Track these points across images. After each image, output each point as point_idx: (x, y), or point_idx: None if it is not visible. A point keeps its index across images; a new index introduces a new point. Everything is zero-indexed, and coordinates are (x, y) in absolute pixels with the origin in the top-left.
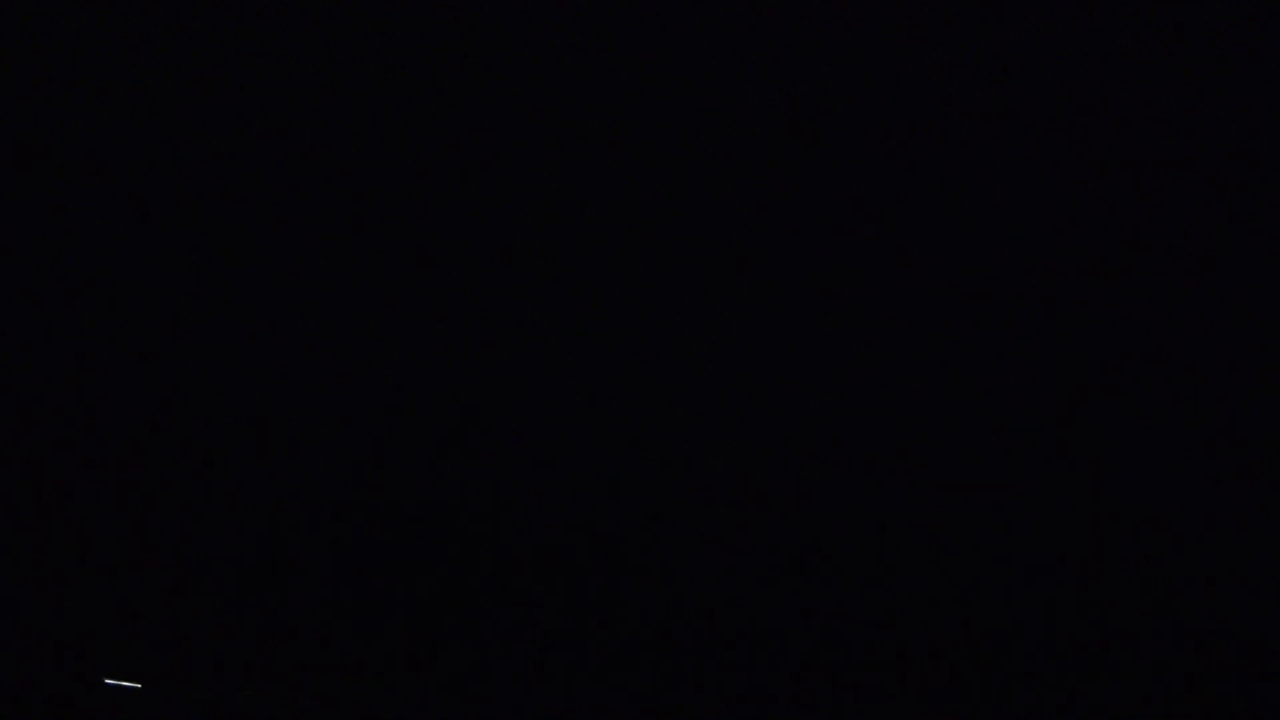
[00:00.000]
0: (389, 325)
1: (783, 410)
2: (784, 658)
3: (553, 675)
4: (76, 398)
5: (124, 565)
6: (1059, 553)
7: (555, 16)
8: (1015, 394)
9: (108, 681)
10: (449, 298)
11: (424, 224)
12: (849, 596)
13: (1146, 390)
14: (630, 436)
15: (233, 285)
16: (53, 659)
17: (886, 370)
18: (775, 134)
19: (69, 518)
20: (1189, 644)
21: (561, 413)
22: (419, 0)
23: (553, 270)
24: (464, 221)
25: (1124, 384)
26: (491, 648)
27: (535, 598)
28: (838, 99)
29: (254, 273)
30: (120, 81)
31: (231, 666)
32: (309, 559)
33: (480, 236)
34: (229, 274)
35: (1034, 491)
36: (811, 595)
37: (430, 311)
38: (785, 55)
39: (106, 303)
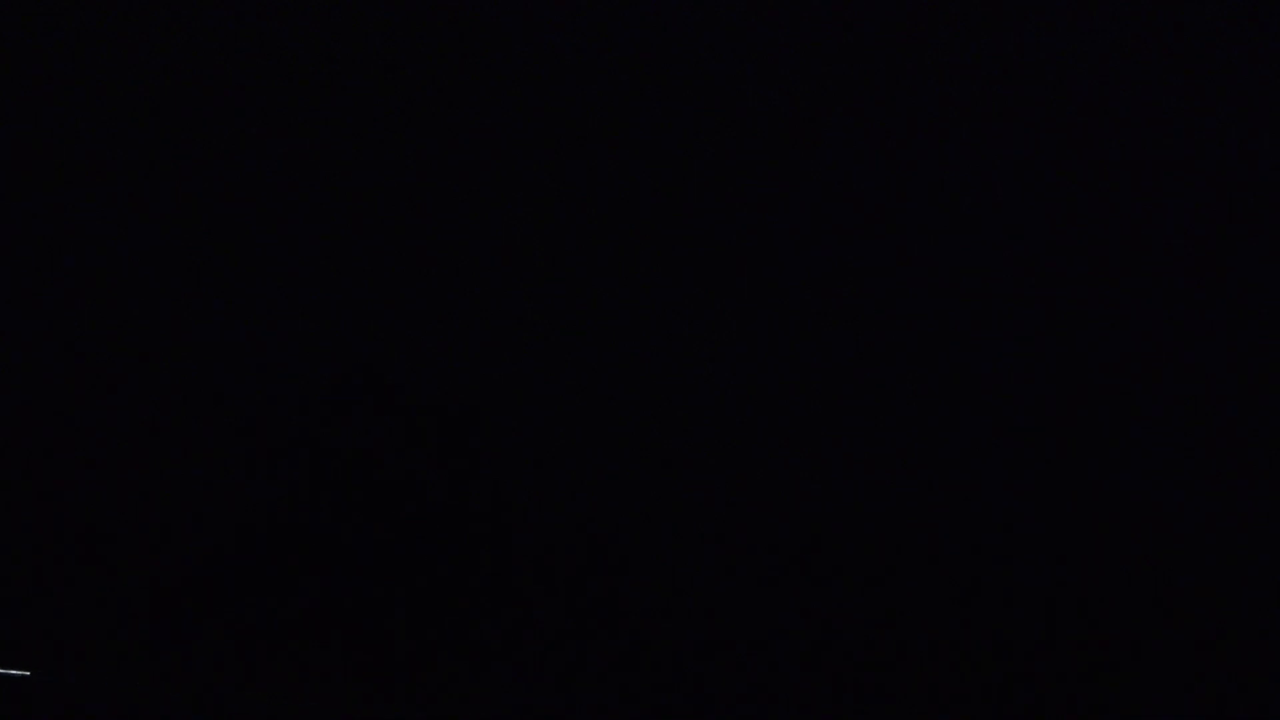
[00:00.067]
0: (389, 325)
1: (782, 410)
2: (784, 658)
3: (552, 676)
4: (72, 397)
5: (123, 565)
6: (1059, 553)
7: (555, 16)
8: (1015, 394)
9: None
10: (449, 298)
11: (424, 224)
12: (849, 597)
13: (1146, 390)
14: (630, 437)
15: (232, 285)
16: (51, 659)
17: (886, 370)
18: (775, 134)
19: (65, 516)
20: (1189, 644)
21: (561, 413)
22: (419, 0)
23: (553, 270)
24: (464, 221)
25: (1124, 384)
26: (491, 648)
27: (535, 598)
28: (838, 99)
29: (254, 272)
30: (120, 81)
31: (230, 667)
32: (308, 559)
33: (480, 236)
34: (229, 274)
35: (1034, 491)
36: (811, 595)
37: (430, 311)
38: (785, 55)
39: (106, 303)
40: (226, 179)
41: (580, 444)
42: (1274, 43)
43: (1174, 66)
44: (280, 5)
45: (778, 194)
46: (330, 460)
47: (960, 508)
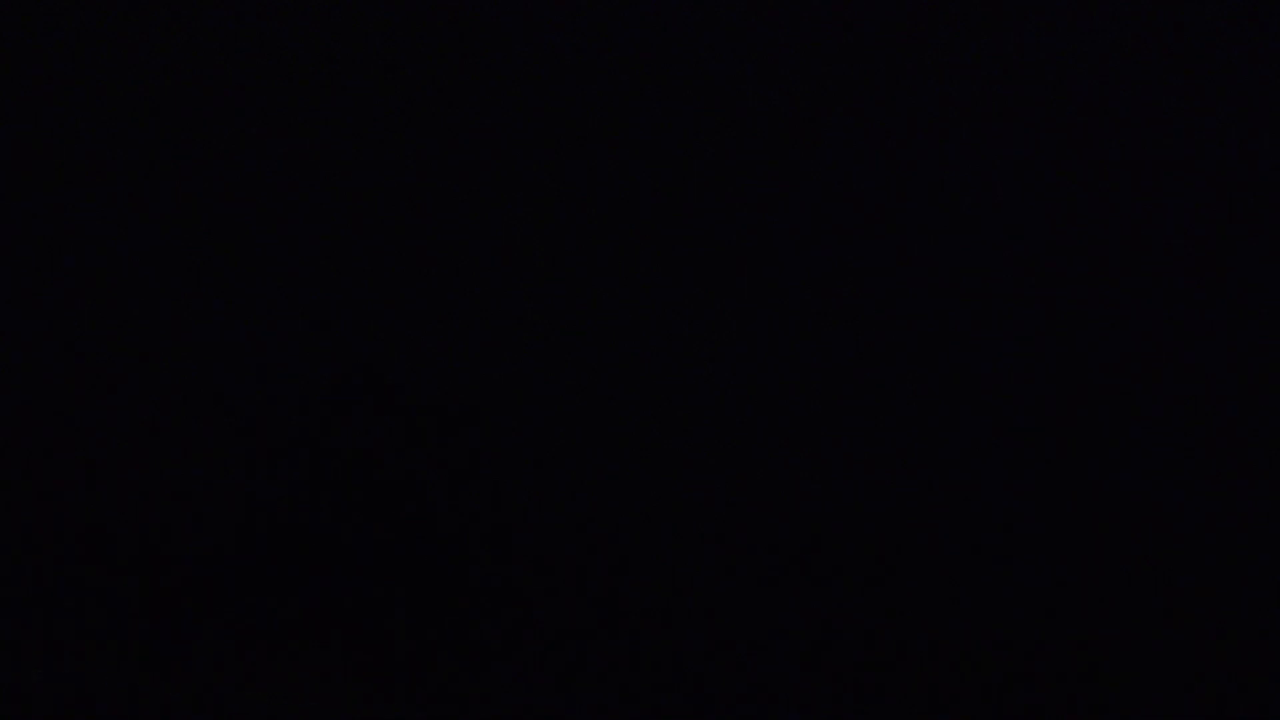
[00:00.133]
0: (389, 325)
1: (782, 410)
2: (784, 658)
3: (552, 676)
4: (72, 396)
5: (123, 565)
6: (1059, 553)
7: (555, 17)
8: (1015, 394)
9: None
10: (449, 298)
11: (424, 224)
12: (849, 597)
13: (1147, 390)
14: (630, 437)
15: (232, 285)
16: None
17: (886, 370)
18: (775, 134)
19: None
20: (1189, 644)
21: (561, 413)
22: (419, 1)
23: (553, 270)
24: (464, 221)
25: (1124, 384)
26: (491, 648)
27: (535, 598)
28: (838, 99)
29: (254, 272)
30: (120, 81)
31: (229, 667)
32: (307, 559)
33: (480, 237)
34: (229, 274)
35: (1034, 492)
36: (811, 595)
37: (430, 311)
38: (785, 55)
39: (106, 303)
40: (226, 179)
41: (580, 444)
42: (1274, 43)
43: (1174, 66)
44: (280, 5)
45: (778, 194)
46: (330, 460)
47: (960, 508)
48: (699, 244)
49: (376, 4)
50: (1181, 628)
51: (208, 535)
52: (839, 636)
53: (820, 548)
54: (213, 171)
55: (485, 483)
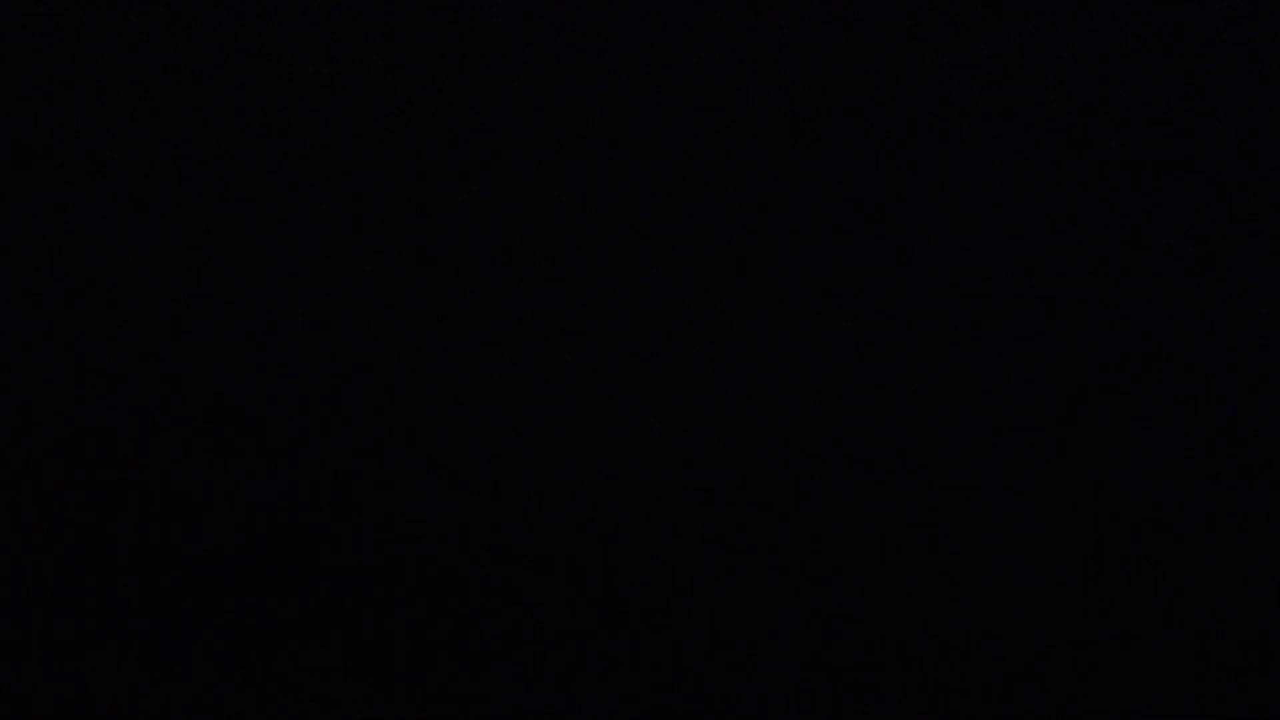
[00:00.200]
0: (389, 325)
1: (782, 410)
2: (783, 658)
3: (551, 676)
4: (72, 396)
5: (123, 565)
6: (1059, 553)
7: (555, 16)
8: (1015, 394)
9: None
10: (449, 298)
11: (424, 224)
12: (849, 597)
13: (1147, 390)
14: (630, 437)
15: (232, 285)
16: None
17: (886, 370)
18: (775, 134)
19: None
20: (1189, 644)
21: (561, 413)
22: (419, 0)
23: (553, 270)
24: (464, 221)
25: (1124, 384)
26: (491, 648)
27: (535, 598)
28: (838, 99)
29: (254, 272)
30: (120, 81)
31: (227, 666)
32: (307, 558)
33: (480, 237)
34: (229, 274)
35: (1034, 492)
36: (812, 595)
37: (430, 311)
38: (785, 55)
39: (106, 302)
40: (226, 179)
41: (580, 444)
42: (1274, 43)
43: (1174, 66)
44: (280, 5)
45: (778, 194)
46: (330, 460)
47: (960, 508)
48: (699, 244)
49: (376, 4)
50: (1181, 628)
51: (207, 535)
52: (839, 636)
53: (820, 548)
54: (213, 171)
55: (485, 482)
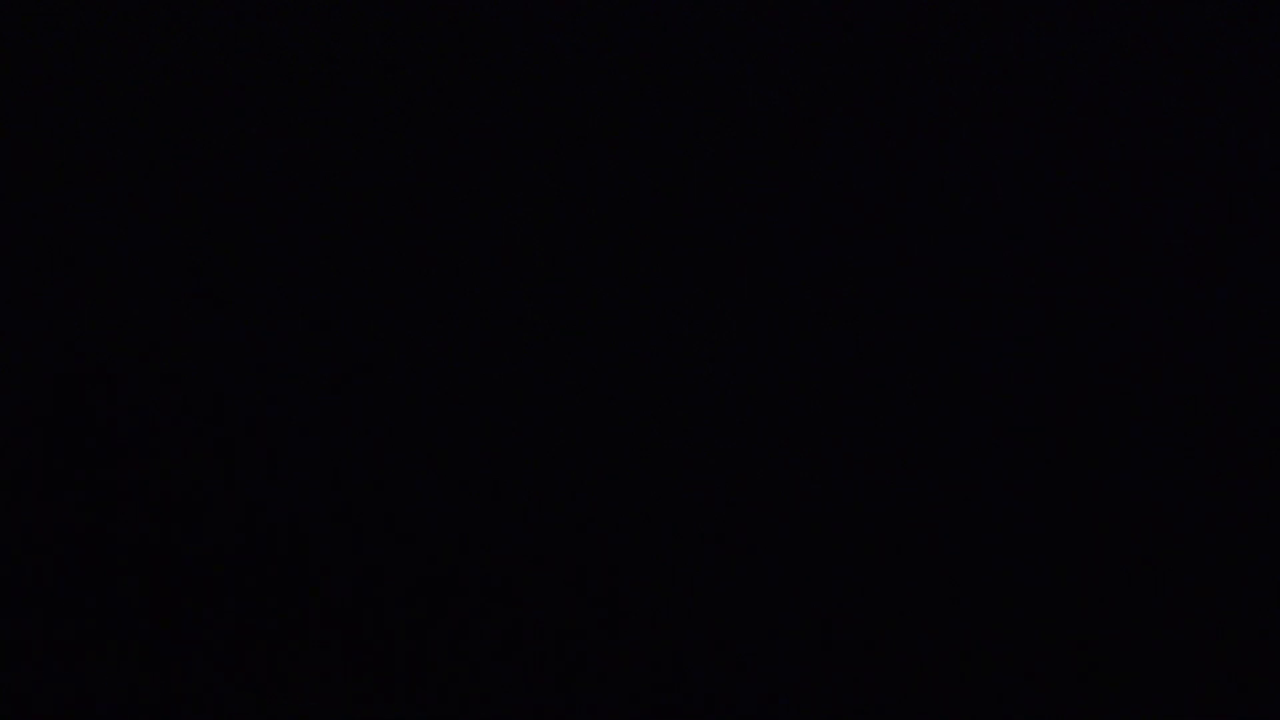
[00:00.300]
0: (389, 325)
1: (782, 410)
2: (783, 658)
3: (551, 676)
4: (72, 396)
5: (123, 565)
6: (1059, 554)
7: (555, 16)
8: (1015, 394)
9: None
10: (449, 298)
11: (424, 224)
12: (849, 597)
13: (1147, 390)
14: (630, 436)
15: (232, 285)
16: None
17: (886, 370)
18: (775, 134)
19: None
20: (1189, 644)
21: (561, 413)
22: (419, 0)
23: (552, 270)
24: (464, 221)
25: (1124, 384)
26: (491, 648)
27: (535, 598)
28: (838, 99)
29: (254, 272)
30: (120, 81)
31: (226, 667)
32: (307, 558)
33: (480, 237)
34: (229, 274)
35: (1034, 492)
36: (812, 595)
37: (430, 311)
38: (785, 55)
39: (106, 302)
40: (226, 179)
41: (580, 444)
42: (1274, 43)
43: (1174, 66)
44: (280, 5)
45: (778, 194)
46: (330, 460)
47: (960, 508)
48: (699, 244)
49: (376, 4)
50: (1181, 628)
51: (207, 535)
52: (839, 636)
53: (820, 548)
54: (212, 171)
55: (484, 482)
